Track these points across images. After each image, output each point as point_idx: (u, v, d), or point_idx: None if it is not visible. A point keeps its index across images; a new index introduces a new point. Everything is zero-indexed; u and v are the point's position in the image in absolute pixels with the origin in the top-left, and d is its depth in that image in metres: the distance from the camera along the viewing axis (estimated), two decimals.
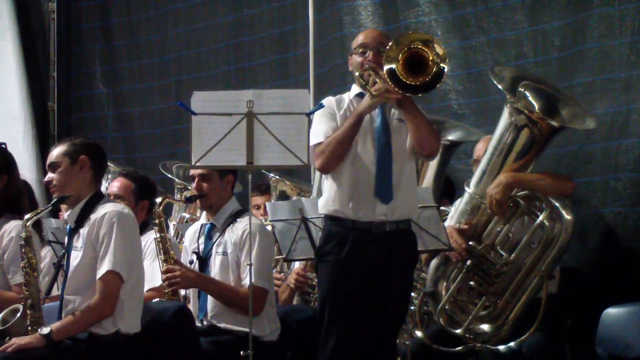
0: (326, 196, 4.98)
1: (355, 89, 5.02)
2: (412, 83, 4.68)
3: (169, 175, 7.78)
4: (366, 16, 7.09)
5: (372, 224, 4.87)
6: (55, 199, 4.96)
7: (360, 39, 5.03)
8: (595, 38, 5.89)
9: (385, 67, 4.70)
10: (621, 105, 5.82)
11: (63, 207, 6.73)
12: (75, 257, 4.86)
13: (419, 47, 4.71)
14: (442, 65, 4.68)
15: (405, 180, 4.94)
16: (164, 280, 5.44)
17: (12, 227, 5.37)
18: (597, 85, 5.90)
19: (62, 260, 5.03)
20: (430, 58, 4.68)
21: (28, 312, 4.91)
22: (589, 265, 5.84)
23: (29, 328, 4.88)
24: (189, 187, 5.77)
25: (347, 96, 5.05)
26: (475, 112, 6.45)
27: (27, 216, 4.98)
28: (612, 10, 5.85)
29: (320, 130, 4.94)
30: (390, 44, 4.74)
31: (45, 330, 4.74)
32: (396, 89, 4.69)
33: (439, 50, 4.69)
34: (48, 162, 4.96)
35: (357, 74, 4.97)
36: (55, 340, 4.74)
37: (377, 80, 4.80)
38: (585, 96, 5.90)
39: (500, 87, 5.41)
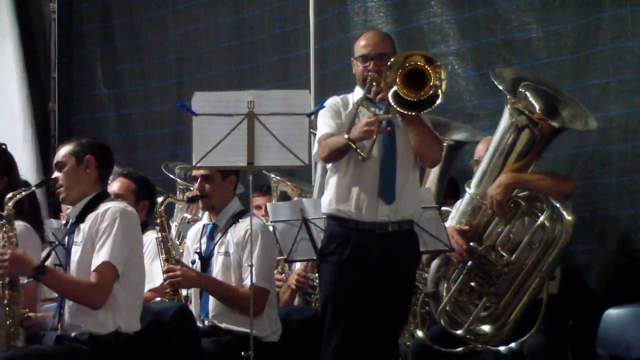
0: (330, 195, 4.98)
1: (359, 91, 5.03)
2: (414, 100, 4.71)
3: (171, 176, 7.79)
4: (378, 18, 7.07)
5: (374, 225, 4.89)
6: (39, 182, 5.12)
7: (361, 45, 5.02)
8: (609, 40, 5.88)
9: (389, 93, 4.73)
10: (636, 107, 5.80)
11: (64, 207, 6.74)
12: (75, 252, 4.85)
13: (420, 64, 4.74)
14: (438, 91, 4.71)
15: (409, 182, 4.96)
16: (165, 280, 5.44)
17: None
18: (612, 87, 5.89)
19: (52, 253, 5.08)
20: (432, 83, 4.72)
21: (6, 291, 4.84)
22: (606, 267, 5.83)
23: (7, 308, 4.83)
24: (191, 188, 5.77)
25: (351, 97, 5.06)
26: (490, 113, 6.42)
27: (9, 195, 4.96)
28: (623, 12, 5.85)
29: (325, 123, 4.96)
30: (385, 69, 4.77)
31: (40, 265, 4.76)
32: (400, 110, 4.74)
33: (443, 74, 4.72)
34: (55, 161, 4.98)
35: (358, 83, 5.02)
36: (42, 279, 4.72)
37: (379, 91, 4.82)
38: (599, 98, 5.90)
39: (500, 87, 5.41)
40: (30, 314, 5.01)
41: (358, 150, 4.74)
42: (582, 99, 5.78)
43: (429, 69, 4.73)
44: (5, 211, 4.95)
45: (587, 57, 6.00)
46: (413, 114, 4.78)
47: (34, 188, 5.12)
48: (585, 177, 5.93)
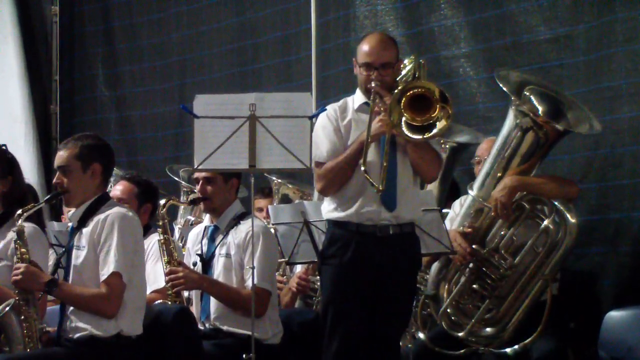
0: (330, 202, 4.97)
1: (360, 95, 5.00)
2: (419, 124, 4.71)
3: (175, 178, 7.78)
4: (388, 20, 7.04)
5: (376, 228, 4.88)
6: (49, 196, 5.07)
7: (364, 51, 4.92)
8: (620, 42, 5.87)
9: (402, 122, 4.71)
10: None
11: (66, 210, 6.74)
12: (78, 256, 4.86)
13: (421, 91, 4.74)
14: (437, 122, 4.71)
15: (410, 187, 4.95)
16: (167, 282, 5.44)
17: None
18: (624, 89, 5.88)
19: (61, 259, 5.06)
20: (434, 115, 4.70)
21: (22, 308, 4.87)
22: (620, 269, 5.83)
23: (24, 324, 4.86)
24: (195, 190, 5.78)
25: (352, 101, 5.03)
26: (503, 115, 6.37)
27: (19, 212, 4.98)
28: (635, 14, 5.84)
29: (323, 147, 4.94)
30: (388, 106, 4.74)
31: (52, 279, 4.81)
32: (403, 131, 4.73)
33: (449, 110, 4.72)
34: (57, 163, 4.97)
35: (359, 88, 4.99)
36: (54, 293, 4.80)
37: (381, 105, 4.80)
38: (613, 100, 5.90)
39: (505, 89, 5.41)
40: (48, 329, 5.00)
41: (372, 181, 4.71)
42: (595, 101, 5.79)
43: (434, 98, 4.72)
44: (17, 227, 4.97)
45: (600, 60, 5.99)
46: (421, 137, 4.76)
47: (42, 203, 5.12)
48: (599, 179, 5.93)
